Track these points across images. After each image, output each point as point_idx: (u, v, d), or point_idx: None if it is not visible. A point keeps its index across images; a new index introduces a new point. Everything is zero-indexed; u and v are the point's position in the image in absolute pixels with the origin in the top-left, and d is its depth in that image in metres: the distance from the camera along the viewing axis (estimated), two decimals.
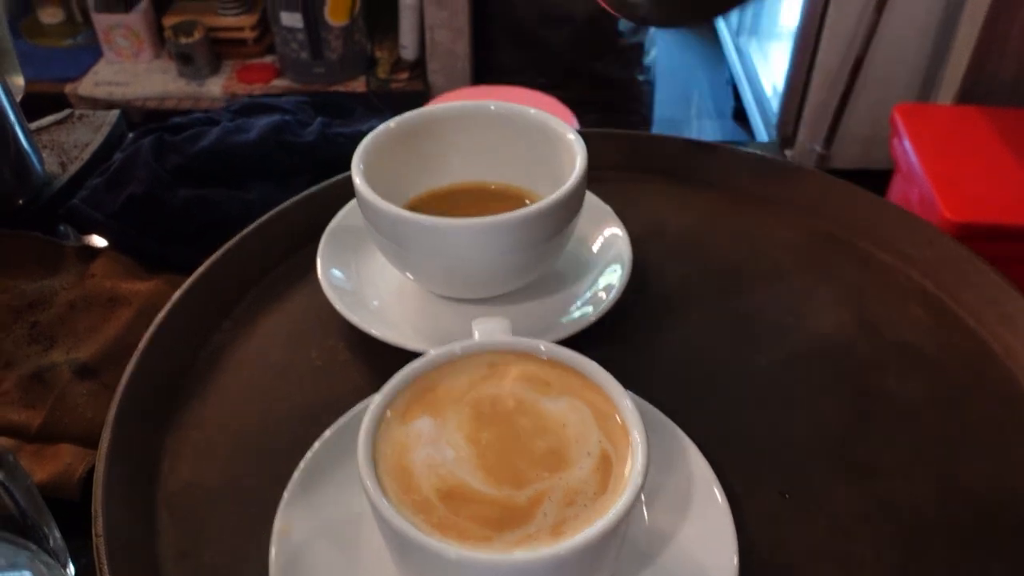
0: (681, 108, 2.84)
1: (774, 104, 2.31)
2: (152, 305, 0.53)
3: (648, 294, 0.52)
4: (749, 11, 2.63)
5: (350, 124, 0.68)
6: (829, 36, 2.04)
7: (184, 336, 0.49)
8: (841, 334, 0.51)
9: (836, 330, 0.51)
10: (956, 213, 1.50)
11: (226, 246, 0.52)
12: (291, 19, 2.05)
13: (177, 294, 0.49)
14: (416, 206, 0.52)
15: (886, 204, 0.57)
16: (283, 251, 0.55)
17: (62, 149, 0.65)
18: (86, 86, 2.17)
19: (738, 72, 2.61)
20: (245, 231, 0.53)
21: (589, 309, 0.48)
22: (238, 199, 0.59)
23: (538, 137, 0.51)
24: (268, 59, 2.24)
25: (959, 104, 1.96)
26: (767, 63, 2.48)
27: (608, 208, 0.54)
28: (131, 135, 0.62)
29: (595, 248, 0.53)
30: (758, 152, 0.61)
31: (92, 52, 2.25)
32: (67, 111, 0.68)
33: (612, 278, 0.50)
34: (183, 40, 2.14)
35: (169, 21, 2.17)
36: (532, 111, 0.51)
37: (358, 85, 2.17)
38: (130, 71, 2.22)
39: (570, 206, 0.46)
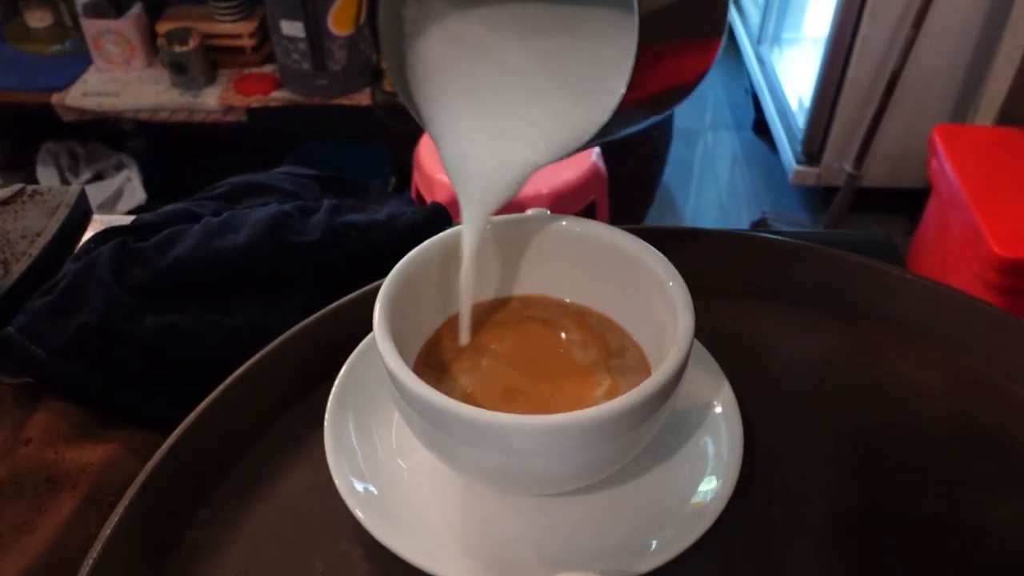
0: (697, 118, 2.73)
1: (800, 119, 2.20)
2: (103, 486, 0.40)
3: (756, 483, 0.40)
4: (771, 18, 2.52)
5: (363, 207, 0.56)
6: (861, 49, 1.94)
7: (145, 542, 0.36)
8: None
9: (1014, 527, 0.38)
10: (1005, 247, 1.41)
11: (202, 405, 0.39)
12: (292, 28, 1.92)
13: (134, 488, 0.36)
14: (451, 330, 0.40)
15: None
16: (279, 405, 0.43)
17: (6, 241, 0.52)
18: (74, 96, 2.04)
19: (759, 82, 2.49)
20: (228, 381, 0.41)
21: (674, 531, 0.37)
22: (219, 327, 0.46)
23: (624, 269, 0.39)
24: (267, 69, 2.11)
25: (999, 125, 1.86)
26: (791, 74, 2.37)
27: (715, 365, 0.42)
28: (87, 239, 0.49)
29: (692, 425, 0.41)
30: (876, 262, 0.48)
31: (81, 59, 2.12)
32: (17, 187, 0.56)
33: (707, 490, 0.38)
34: (177, 48, 2.00)
35: (162, 28, 2.04)
36: (629, 242, 0.39)
37: (363, 98, 2.04)
38: (121, 80, 2.09)
39: (668, 389, 0.33)
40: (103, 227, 0.52)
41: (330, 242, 0.50)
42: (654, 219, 2.28)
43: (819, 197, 2.23)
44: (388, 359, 0.33)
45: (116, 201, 2.15)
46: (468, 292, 0.39)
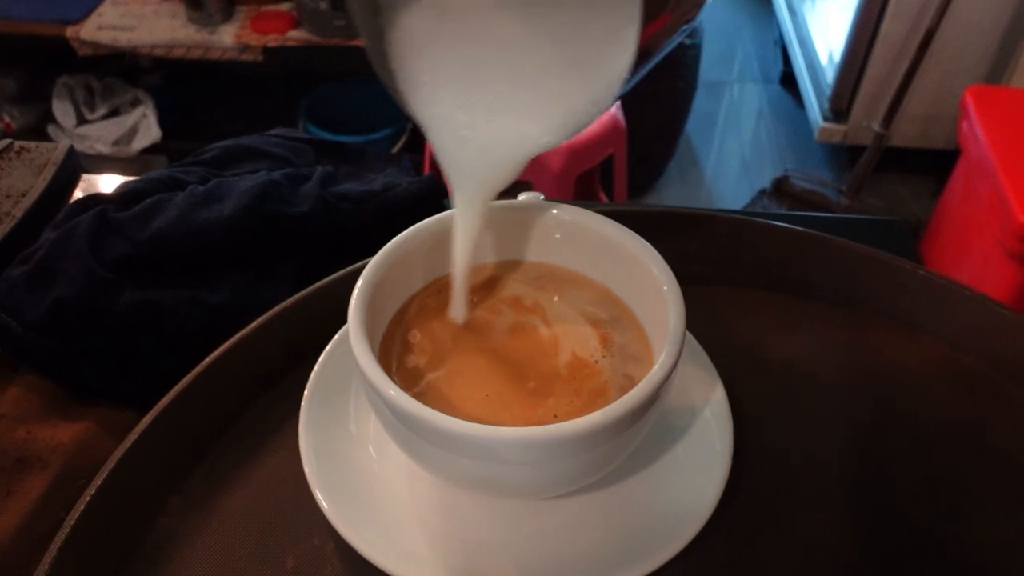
0: (724, 69, 2.66)
1: (829, 73, 2.14)
2: (75, 467, 0.39)
3: (746, 489, 0.38)
4: None
5: (359, 174, 0.54)
6: (898, 2, 1.86)
7: (113, 528, 0.36)
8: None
9: (1015, 546, 0.37)
10: None
11: (177, 388, 0.38)
12: None
13: (104, 471, 0.35)
14: (429, 298, 0.39)
15: None
16: (257, 389, 0.41)
17: None
18: (89, 29, 2.01)
19: (789, 33, 2.42)
20: (205, 362, 0.39)
21: (658, 539, 0.35)
22: (199, 305, 0.44)
23: (617, 262, 0.37)
24: (285, 7, 2.06)
25: None
26: (823, 26, 2.29)
27: (708, 363, 0.40)
28: (69, 205, 0.47)
29: (680, 427, 0.39)
30: (884, 255, 0.46)
31: None
32: (5, 142, 0.54)
33: (694, 496, 0.36)
34: None
35: None
36: (622, 236, 0.37)
37: None
38: (137, 14, 2.06)
39: (651, 401, 0.32)
40: (91, 186, 0.51)
41: (321, 214, 0.48)
42: (674, 173, 2.24)
43: (844, 156, 2.18)
44: (362, 360, 0.31)
45: (131, 138, 2.14)
46: (462, 281, 0.37)
